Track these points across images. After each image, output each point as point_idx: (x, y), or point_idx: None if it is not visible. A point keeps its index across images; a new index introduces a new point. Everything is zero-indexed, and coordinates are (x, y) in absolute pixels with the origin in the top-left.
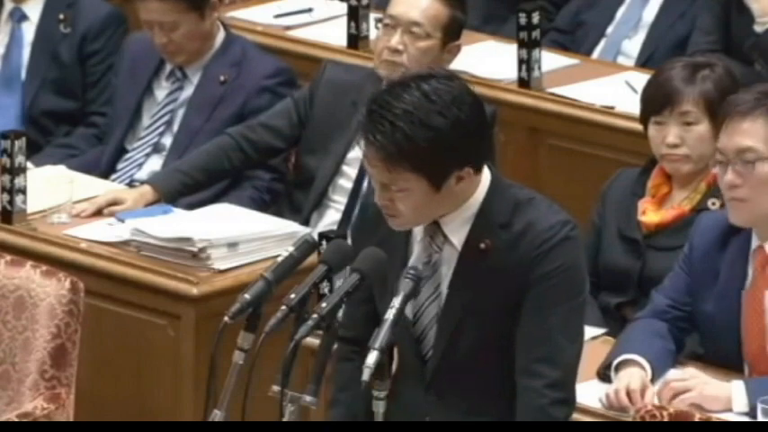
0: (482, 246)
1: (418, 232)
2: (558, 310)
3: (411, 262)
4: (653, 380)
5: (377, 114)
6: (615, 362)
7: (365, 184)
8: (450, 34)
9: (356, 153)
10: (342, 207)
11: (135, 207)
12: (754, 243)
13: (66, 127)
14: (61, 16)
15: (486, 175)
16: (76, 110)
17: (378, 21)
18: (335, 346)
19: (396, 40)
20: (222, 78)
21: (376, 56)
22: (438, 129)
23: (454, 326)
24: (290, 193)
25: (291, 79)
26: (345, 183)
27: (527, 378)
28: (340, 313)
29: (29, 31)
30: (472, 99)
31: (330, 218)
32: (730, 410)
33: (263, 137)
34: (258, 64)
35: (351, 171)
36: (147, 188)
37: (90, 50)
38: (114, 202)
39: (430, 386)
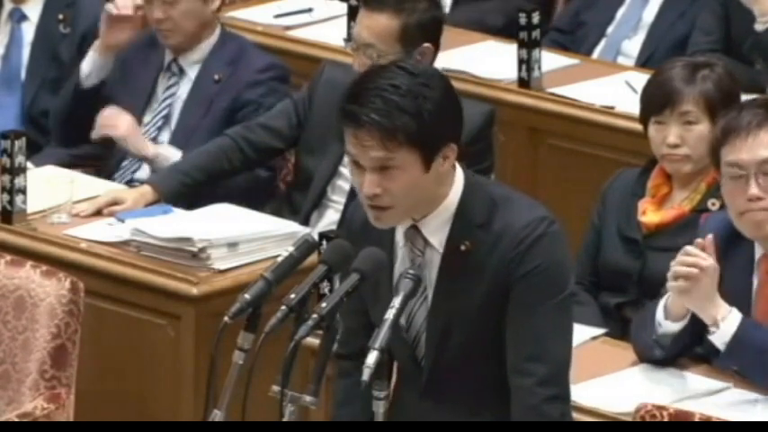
0: (462, 247)
1: (401, 239)
2: (543, 308)
3: (395, 268)
4: None
5: (364, 95)
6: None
7: None
8: (411, 41)
9: None
10: (341, 207)
11: (135, 207)
12: (758, 252)
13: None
14: (61, 16)
15: (459, 174)
16: None
17: (345, 41)
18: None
19: (359, 61)
20: (216, 77)
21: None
22: (427, 99)
23: (442, 328)
24: (289, 195)
25: (283, 75)
26: (344, 184)
27: (518, 377)
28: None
29: (28, 31)
30: (444, 77)
31: (330, 218)
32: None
33: (262, 137)
34: (252, 60)
35: (347, 172)
36: (146, 188)
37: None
38: (114, 203)
39: (426, 391)
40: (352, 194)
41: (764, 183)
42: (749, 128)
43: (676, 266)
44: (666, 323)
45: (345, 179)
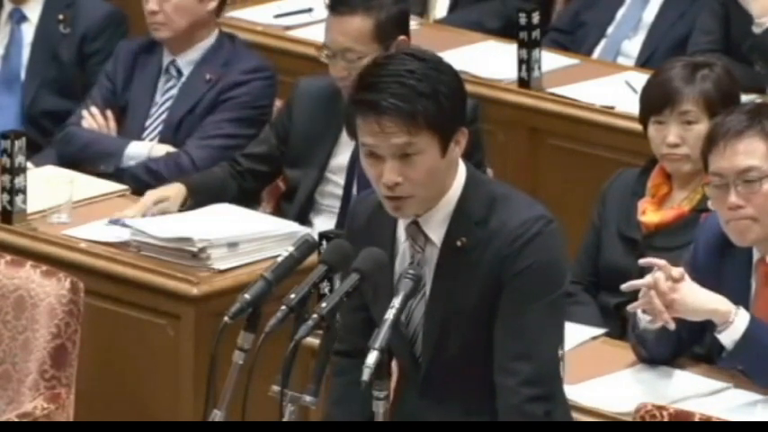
0: (458, 243)
1: (402, 235)
2: (535, 307)
3: (396, 265)
4: None
5: (380, 82)
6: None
7: (355, 189)
8: (387, 37)
9: (339, 161)
10: (335, 209)
11: (176, 201)
12: (756, 256)
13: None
14: (60, 16)
15: (462, 170)
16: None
17: (318, 49)
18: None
19: (339, 67)
20: (208, 77)
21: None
22: (440, 81)
23: (440, 325)
24: (280, 206)
25: (267, 76)
26: (334, 189)
27: (503, 376)
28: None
29: (28, 31)
30: (447, 62)
31: (325, 221)
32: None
33: (245, 164)
34: (241, 61)
35: (336, 178)
36: (178, 184)
37: (90, 50)
38: (160, 200)
39: (424, 389)
40: (346, 197)
41: (744, 191)
42: (727, 137)
43: (639, 311)
44: (644, 317)
45: (335, 184)
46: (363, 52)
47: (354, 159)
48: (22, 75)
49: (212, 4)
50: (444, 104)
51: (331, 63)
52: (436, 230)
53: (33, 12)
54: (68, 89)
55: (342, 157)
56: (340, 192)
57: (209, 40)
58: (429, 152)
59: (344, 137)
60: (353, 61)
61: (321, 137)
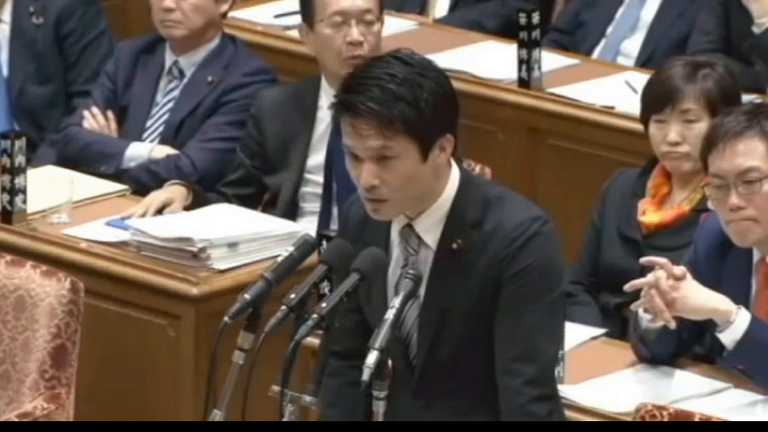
0: (454, 246)
1: (396, 237)
2: (534, 308)
3: (390, 267)
4: None
5: (361, 84)
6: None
7: (335, 186)
8: (382, 7)
9: (316, 160)
10: (317, 211)
11: (181, 204)
12: (756, 256)
13: (54, 111)
14: (31, 9)
15: (455, 172)
16: (59, 92)
17: (306, 25)
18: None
19: (355, 33)
20: (210, 79)
21: (333, 57)
22: (424, 88)
23: (434, 327)
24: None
25: (269, 80)
26: (313, 189)
27: (506, 377)
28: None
29: (4, 31)
30: (439, 68)
31: (308, 224)
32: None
33: (229, 192)
34: (242, 63)
35: (315, 178)
36: (180, 187)
37: (65, 31)
38: (166, 204)
39: (418, 390)
40: (326, 196)
41: (744, 192)
42: (726, 138)
43: (640, 310)
44: (646, 317)
45: (314, 184)
46: (378, 15)
47: (330, 156)
48: (5, 72)
49: (225, 6)
50: (425, 111)
51: (338, 32)
52: (430, 233)
53: (5, 13)
54: (50, 74)
55: (318, 156)
56: (320, 191)
57: (214, 42)
58: (407, 157)
59: (317, 135)
60: (370, 23)
61: (295, 138)
